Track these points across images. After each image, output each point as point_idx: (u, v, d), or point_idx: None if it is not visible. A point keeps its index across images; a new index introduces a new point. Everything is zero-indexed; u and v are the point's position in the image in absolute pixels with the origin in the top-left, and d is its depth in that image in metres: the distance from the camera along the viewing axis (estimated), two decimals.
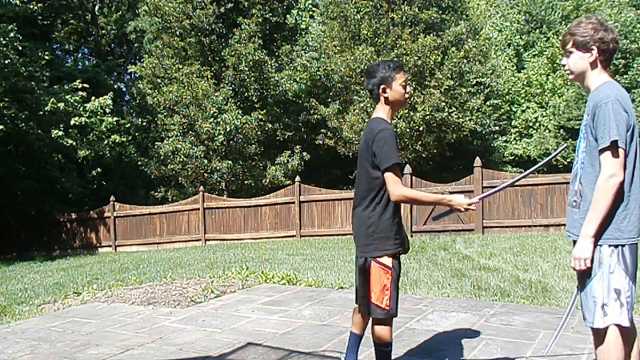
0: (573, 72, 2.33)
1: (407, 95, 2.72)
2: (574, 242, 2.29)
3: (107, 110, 18.30)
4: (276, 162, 18.06)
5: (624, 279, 2.19)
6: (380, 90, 2.67)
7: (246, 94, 17.94)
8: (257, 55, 17.02)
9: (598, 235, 2.19)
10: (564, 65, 2.38)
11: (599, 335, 2.29)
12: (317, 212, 12.73)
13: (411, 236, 11.40)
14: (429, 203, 2.78)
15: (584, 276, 2.27)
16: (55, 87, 17.12)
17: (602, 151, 2.14)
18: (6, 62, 14.18)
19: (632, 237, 2.20)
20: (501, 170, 18.34)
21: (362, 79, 16.85)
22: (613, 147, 2.11)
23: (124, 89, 26.56)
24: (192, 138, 17.38)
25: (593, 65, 2.26)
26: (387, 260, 2.63)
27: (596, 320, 2.25)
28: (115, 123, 19.09)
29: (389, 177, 2.54)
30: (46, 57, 17.08)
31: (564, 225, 11.09)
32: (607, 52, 2.25)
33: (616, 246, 2.19)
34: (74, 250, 16.17)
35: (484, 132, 21.77)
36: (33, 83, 15.37)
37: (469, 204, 2.62)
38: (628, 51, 23.11)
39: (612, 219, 2.18)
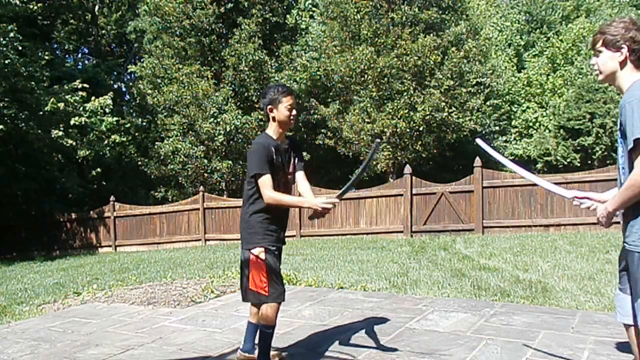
0: (602, 72, 2.26)
1: (292, 118, 3.03)
2: (626, 249, 2.18)
3: (107, 110, 18.30)
4: None
5: None
6: (268, 110, 3.03)
7: (246, 94, 17.93)
8: (257, 55, 17.01)
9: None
10: (593, 65, 2.31)
11: None
12: None
13: (411, 236, 11.40)
14: (291, 205, 3.15)
15: None
16: (55, 87, 17.12)
17: (631, 153, 2.06)
18: (6, 62, 14.18)
19: None
20: (501, 170, 18.32)
21: (362, 79, 16.87)
22: (638, 146, 2.02)
23: (124, 89, 26.57)
24: (192, 138, 17.38)
25: (623, 64, 2.19)
26: (260, 252, 2.97)
27: None
28: (115, 123, 19.09)
29: (259, 183, 2.94)
30: (46, 57, 17.08)
31: (564, 225, 11.03)
32: (639, 52, 2.17)
33: None
34: (74, 250, 16.17)
35: (484, 132, 21.78)
36: (33, 83, 15.37)
37: (324, 204, 2.83)
38: None
39: None
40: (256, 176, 2.94)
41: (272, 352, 3.19)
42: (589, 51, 25.06)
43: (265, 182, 2.93)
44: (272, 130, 3.08)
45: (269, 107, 3.02)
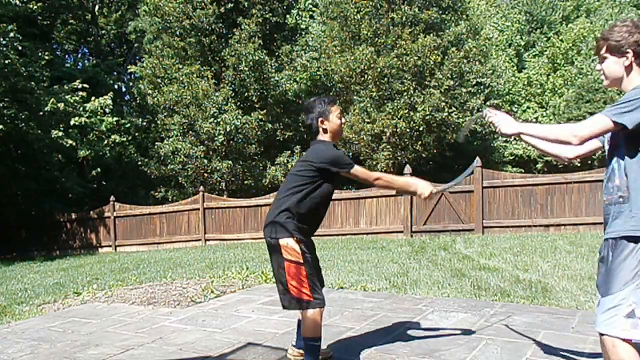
0: (608, 78, 2.25)
1: (342, 127, 3.10)
2: (613, 239, 2.15)
3: (107, 110, 18.31)
4: (276, 162, 18.05)
5: None
6: (319, 123, 3.02)
7: (246, 94, 17.93)
8: (257, 55, 17.01)
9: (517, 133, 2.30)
10: (599, 71, 2.30)
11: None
12: None
13: (411, 236, 11.41)
14: (400, 187, 3.17)
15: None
16: (55, 87, 17.12)
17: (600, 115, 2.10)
18: (6, 62, 14.18)
19: None
20: (501, 170, 18.34)
21: (362, 79, 16.87)
22: (603, 115, 2.06)
23: (124, 89, 26.56)
24: (192, 138, 17.38)
25: (629, 69, 2.17)
26: (292, 242, 2.94)
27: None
28: (115, 123, 19.09)
29: (358, 173, 2.99)
30: (46, 57, 17.09)
31: (564, 225, 11.03)
32: None
33: None
34: (74, 250, 16.18)
35: (484, 132, 21.77)
36: (33, 83, 15.37)
37: (434, 191, 3.00)
38: None
39: None
40: (349, 167, 2.92)
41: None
42: (589, 51, 25.10)
43: (362, 169, 2.99)
44: (326, 140, 3.08)
45: (320, 119, 3.02)
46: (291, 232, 2.90)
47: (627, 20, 2.21)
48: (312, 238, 3.12)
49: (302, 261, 2.87)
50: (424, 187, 3.05)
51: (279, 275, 2.94)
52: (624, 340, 2.08)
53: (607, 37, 2.19)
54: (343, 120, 3.09)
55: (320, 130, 3.04)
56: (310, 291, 2.85)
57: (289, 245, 2.88)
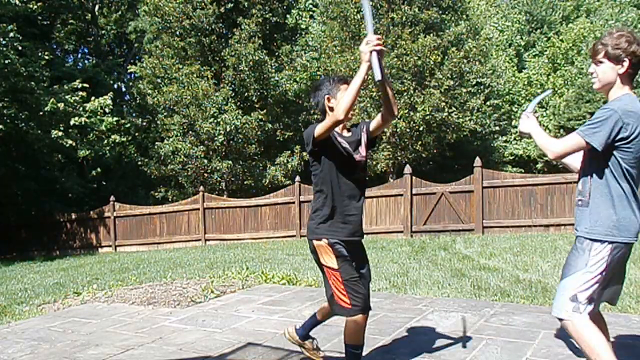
0: (600, 81, 2.36)
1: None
2: (577, 237, 2.41)
3: (107, 110, 18.29)
4: (276, 162, 18.05)
5: None
6: (326, 100, 2.78)
7: (246, 94, 17.93)
8: (257, 55, 17.01)
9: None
10: (591, 73, 2.41)
11: None
12: None
13: (411, 236, 11.40)
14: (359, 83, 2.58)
15: None
16: (55, 87, 17.12)
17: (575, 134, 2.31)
18: (6, 62, 14.18)
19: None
20: (501, 170, 18.35)
21: None
22: (577, 135, 2.28)
23: (124, 89, 26.56)
24: (192, 138, 17.38)
25: (622, 77, 2.30)
26: (326, 245, 2.77)
27: None
28: (115, 123, 19.09)
29: (327, 119, 2.67)
30: (46, 57, 17.08)
31: (564, 225, 11.04)
32: (637, 67, 2.30)
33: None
34: (74, 250, 16.17)
35: (484, 132, 21.77)
36: (33, 83, 15.37)
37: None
38: None
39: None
40: (313, 137, 2.64)
41: (308, 343, 3.25)
42: (590, 51, 24.99)
43: (321, 124, 2.64)
44: None
45: (327, 96, 2.77)
46: (321, 234, 2.72)
47: (624, 30, 2.33)
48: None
49: (337, 267, 2.69)
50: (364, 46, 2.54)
51: (324, 280, 2.81)
52: (565, 320, 2.35)
53: (607, 43, 2.30)
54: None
55: (327, 109, 2.78)
56: (348, 298, 2.66)
57: (322, 248, 2.73)
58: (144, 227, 15.13)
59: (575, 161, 2.60)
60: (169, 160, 17.57)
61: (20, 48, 15.38)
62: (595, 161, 2.31)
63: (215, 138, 16.81)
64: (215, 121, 16.74)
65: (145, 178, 20.24)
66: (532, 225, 10.48)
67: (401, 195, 11.68)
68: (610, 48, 2.28)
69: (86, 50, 28.40)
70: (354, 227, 2.77)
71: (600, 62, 2.32)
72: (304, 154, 18.10)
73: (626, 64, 2.26)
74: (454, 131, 17.34)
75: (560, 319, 2.38)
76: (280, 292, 5.57)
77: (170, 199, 18.42)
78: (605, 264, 2.29)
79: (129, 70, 22.35)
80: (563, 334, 3.62)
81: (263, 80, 17.82)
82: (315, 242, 2.75)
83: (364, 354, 2.94)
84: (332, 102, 2.76)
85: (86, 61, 26.93)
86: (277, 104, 19.02)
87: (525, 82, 26.67)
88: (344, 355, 2.88)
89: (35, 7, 16.50)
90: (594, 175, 2.33)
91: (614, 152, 2.25)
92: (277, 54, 18.74)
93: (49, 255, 15.79)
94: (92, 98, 18.02)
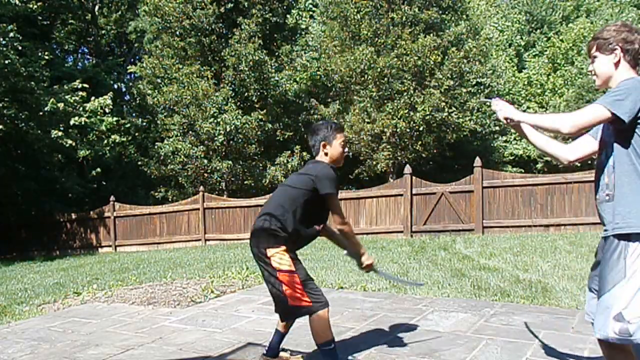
0: (599, 76, 2.26)
1: (344, 155, 3.08)
2: (604, 238, 2.18)
3: (107, 110, 18.29)
4: (276, 162, 18.05)
5: None
6: (321, 146, 3.03)
7: (246, 94, 17.93)
8: (257, 55, 17.00)
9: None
10: (591, 72, 2.32)
11: None
12: None
13: (411, 236, 11.40)
14: (355, 242, 3.17)
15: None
16: (55, 87, 17.11)
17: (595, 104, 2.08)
18: (6, 62, 14.17)
19: None
20: (501, 170, 18.35)
21: (362, 79, 16.87)
22: (599, 104, 2.05)
23: (124, 89, 26.55)
24: (192, 138, 17.38)
25: (617, 66, 2.19)
26: (280, 252, 2.94)
27: None
28: (115, 123, 19.09)
29: (336, 206, 3.00)
30: (46, 57, 17.07)
31: (564, 225, 11.01)
32: (633, 52, 2.17)
33: None
34: (74, 250, 16.17)
35: (484, 132, 21.77)
36: (33, 83, 15.36)
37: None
38: None
39: None
40: (331, 196, 2.88)
41: (284, 354, 3.29)
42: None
43: (338, 203, 2.98)
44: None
45: (323, 143, 3.02)
46: (279, 243, 2.86)
47: (618, 22, 2.27)
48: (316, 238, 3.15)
49: (294, 269, 2.83)
50: (368, 257, 3.16)
51: (272, 285, 2.89)
52: (614, 342, 2.05)
53: (597, 37, 2.24)
54: (346, 149, 3.09)
55: (321, 152, 3.04)
56: (308, 297, 2.81)
57: (278, 254, 2.84)
58: (144, 227, 15.13)
59: (564, 153, 2.46)
60: (169, 160, 17.57)
61: (20, 48, 15.37)
62: (617, 143, 2.10)
63: (215, 138, 16.81)
64: (215, 121, 16.74)
65: (145, 178, 20.24)
66: (532, 225, 10.48)
67: (401, 195, 11.68)
68: (600, 39, 2.22)
69: (86, 50, 28.39)
70: (302, 245, 3.13)
71: (595, 56, 2.25)
72: (304, 154, 18.12)
73: (618, 51, 2.17)
74: (454, 131, 17.34)
75: (601, 340, 2.09)
76: None
77: (170, 199, 18.42)
78: None
79: (129, 70, 22.36)
80: (563, 334, 3.62)
81: (263, 80, 17.81)
82: (270, 250, 2.88)
83: (364, 354, 2.93)
84: (327, 148, 3.03)
85: (86, 61, 26.92)
86: (277, 104, 19.02)
87: (525, 82, 26.67)
88: (343, 355, 2.89)
89: (35, 7, 16.50)
90: (616, 161, 2.11)
91: (637, 130, 2.04)
92: (277, 54, 18.74)
93: (49, 255, 15.78)
94: (92, 98, 18.02)
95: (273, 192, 3.15)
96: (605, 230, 2.14)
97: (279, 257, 2.84)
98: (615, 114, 2.00)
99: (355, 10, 16.92)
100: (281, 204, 2.93)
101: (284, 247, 2.86)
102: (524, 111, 22.93)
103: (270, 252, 2.85)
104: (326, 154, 3.03)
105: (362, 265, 3.17)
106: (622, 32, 2.17)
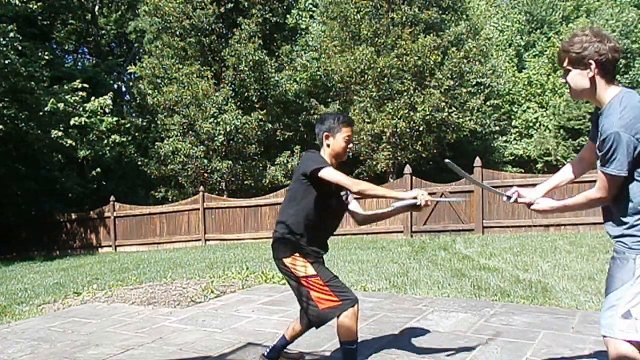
0: (574, 90, 2.18)
1: (347, 150, 2.93)
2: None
3: (107, 110, 18.28)
4: (276, 162, 18.05)
5: None
6: (324, 136, 2.91)
7: (246, 94, 17.93)
8: (257, 55, 17.01)
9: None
10: (564, 83, 2.24)
11: None
12: None
13: (411, 236, 11.40)
14: (380, 195, 2.82)
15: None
16: (55, 87, 17.11)
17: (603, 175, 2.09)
18: (6, 62, 14.17)
19: None
20: (501, 170, 18.35)
21: (362, 79, 16.87)
22: (609, 176, 2.06)
23: (124, 89, 26.56)
24: (192, 138, 17.38)
25: (592, 81, 2.10)
26: (302, 261, 2.87)
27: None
28: (115, 123, 19.08)
29: (328, 175, 2.72)
30: (46, 57, 17.07)
31: (564, 225, 11.00)
32: (607, 64, 2.07)
33: None
34: (74, 250, 16.17)
35: (484, 132, 21.77)
36: (33, 83, 15.36)
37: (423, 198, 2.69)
38: (629, 51, 23.11)
39: None
40: (317, 171, 2.70)
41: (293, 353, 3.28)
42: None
43: (334, 171, 2.73)
44: (325, 155, 2.93)
45: (326, 134, 2.91)
46: (294, 250, 2.81)
47: (586, 29, 2.12)
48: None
49: (315, 272, 2.78)
50: (417, 193, 2.72)
51: (299, 294, 2.84)
52: (623, 341, 2.05)
53: (568, 50, 2.11)
54: (350, 145, 2.94)
55: (324, 144, 2.93)
56: (336, 296, 2.74)
57: (297, 261, 2.81)
58: (144, 227, 15.12)
59: (570, 170, 2.56)
60: (169, 160, 17.57)
61: (20, 48, 15.37)
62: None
63: (215, 138, 16.81)
64: (215, 121, 16.74)
65: (145, 178, 20.24)
66: (532, 225, 10.49)
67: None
68: (571, 53, 2.09)
69: (86, 50, 28.39)
70: (322, 247, 2.98)
71: (568, 69, 2.13)
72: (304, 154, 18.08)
73: (592, 66, 2.06)
74: (454, 131, 17.34)
75: (606, 337, 2.09)
76: (280, 292, 5.57)
77: (170, 199, 18.42)
78: None
79: (129, 70, 22.33)
80: (563, 334, 3.62)
81: (263, 80, 17.81)
82: (287, 259, 2.84)
83: (364, 354, 2.93)
84: (330, 140, 2.90)
85: (86, 61, 26.92)
86: (277, 104, 19.02)
87: (525, 82, 26.66)
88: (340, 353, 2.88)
89: (35, 7, 16.49)
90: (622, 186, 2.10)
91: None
92: (277, 54, 18.74)
93: (49, 255, 15.78)
94: (92, 98, 18.00)
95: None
96: (612, 238, 2.18)
97: (298, 264, 2.80)
98: (613, 175, 2.04)
99: (355, 10, 16.92)
100: (285, 208, 2.91)
101: (298, 253, 2.81)
102: (524, 111, 22.89)
103: (286, 261, 2.83)
104: (328, 146, 2.91)
105: (420, 205, 2.72)
106: (594, 44, 2.05)
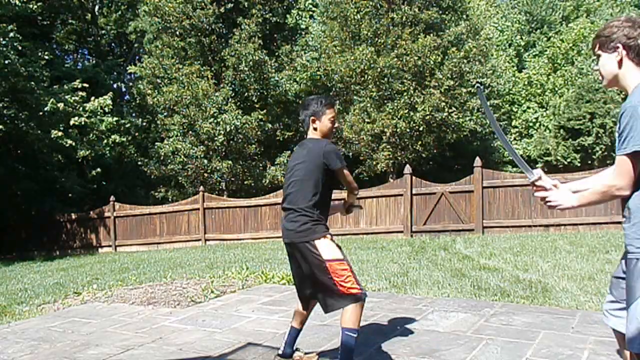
0: (604, 76, 2.16)
1: (333, 130, 3.11)
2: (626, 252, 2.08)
3: (107, 110, 18.29)
4: (276, 162, 18.05)
5: None
6: (310, 120, 3.06)
7: (246, 94, 17.94)
8: (257, 55, 17.02)
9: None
10: (596, 71, 2.23)
11: None
12: None
13: (411, 236, 11.40)
14: None
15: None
16: (55, 87, 17.11)
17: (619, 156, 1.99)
18: (6, 62, 14.17)
19: None
20: (501, 170, 18.36)
21: (362, 79, 16.87)
22: (618, 157, 1.98)
23: (124, 89, 26.55)
24: (192, 138, 17.38)
25: (621, 64, 2.08)
26: (329, 241, 2.96)
27: None
28: (115, 123, 19.09)
29: (347, 175, 3.06)
30: (46, 57, 17.08)
31: (564, 225, 10.97)
32: (636, 48, 2.04)
33: None
34: (74, 250, 16.17)
35: (484, 132, 21.77)
36: (33, 83, 15.36)
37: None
38: None
39: None
40: (342, 168, 2.96)
41: (298, 354, 3.28)
42: (590, 51, 25.15)
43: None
44: (316, 136, 3.12)
45: (312, 118, 3.05)
46: (323, 232, 2.89)
47: (621, 17, 2.16)
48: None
49: (342, 257, 2.85)
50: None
51: (321, 276, 2.84)
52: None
53: (598, 35, 2.16)
54: (336, 124, 3.12)
55: (311, 127, 3.08)
56: (358, 285, 2.83)
57: (326, 242, 2.86)
58: (144, 227, 15.13)
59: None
60: (169, 160, 17.57)
61: (20, 48, 15.37)
62: None
63: (215, 138, 16.81)
64: (215, 121, 16.75)
65: (145, 178, 20.24)
66: (532, 225, 10.48)
67: (401, 195, 11.68)
68: (601, 37, 2.12)
69: (86, 50, 28.38)
70: None
71: (599, 55, 2.14)
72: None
73: (620, 49, 2.06)
74: (454, 131, 17.34)
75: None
76: (280, 292, 5.57)
77: (170, 199, 18.43)
78: None
79: (128, 71, 22.35)
80: (563, 334, 3.62)
81: (263, 80, 17.82)
82: (318, 241, 2.87)
83: (364, 354, 2.93)
84: (317, 123, 3.04)
85: (86, 61, 26.91)
86: (277, 104, 19.03)
87: (525, 82, 26.66)
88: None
89: (35, 7, 16.50)
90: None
91: None
92: (277, 54, 18.75)
93: (49, 255, 15.78)
94: (92, 98, 18.01)
95: (289, 182, 3.08)
96: (627, 251, 2.07)
97: (329, 245, 2.86)
98: (632, 153, 1.94)
99: (355, 10, 16.92)
100: (303, 190, 2.94)
101: (329, 236, 2.89)
102: (524, 111, 22.86)
103: (318, 243, 2.85)
104: (315, 129, 3.06)
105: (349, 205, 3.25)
106: (624, 28, 2.07)
